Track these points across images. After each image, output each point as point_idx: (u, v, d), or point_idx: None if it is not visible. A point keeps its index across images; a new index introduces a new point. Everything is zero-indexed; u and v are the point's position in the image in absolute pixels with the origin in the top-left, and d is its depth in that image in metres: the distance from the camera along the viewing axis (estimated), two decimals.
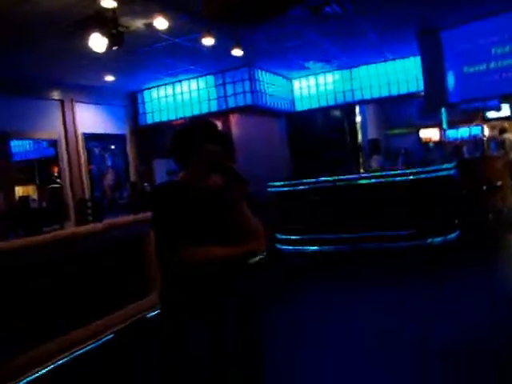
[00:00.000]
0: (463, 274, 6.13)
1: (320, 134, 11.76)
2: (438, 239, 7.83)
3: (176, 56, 8.81)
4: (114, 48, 6.07)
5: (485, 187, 9.21)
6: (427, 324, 4.54)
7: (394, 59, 10.55)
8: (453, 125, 16.05)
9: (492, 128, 17.96)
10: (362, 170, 11.09)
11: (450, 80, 8.87)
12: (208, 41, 7.20)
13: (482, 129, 16.71)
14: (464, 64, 8.74)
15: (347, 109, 11.63)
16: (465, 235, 7.93)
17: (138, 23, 6.93)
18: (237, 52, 8.12)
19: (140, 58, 8.58)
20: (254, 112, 10.59)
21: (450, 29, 8.71)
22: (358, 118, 11.83)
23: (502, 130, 15.24)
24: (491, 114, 17.39)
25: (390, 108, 13.86)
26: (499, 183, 9.50)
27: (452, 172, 8.51)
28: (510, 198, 10.31)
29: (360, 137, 11.89)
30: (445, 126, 10.89)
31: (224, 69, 10.14)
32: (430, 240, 7.79)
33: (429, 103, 9.36)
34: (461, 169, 9.46)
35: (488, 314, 4.56)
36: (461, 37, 8.71)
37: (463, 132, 16.95)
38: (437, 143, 14.21)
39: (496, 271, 6.13)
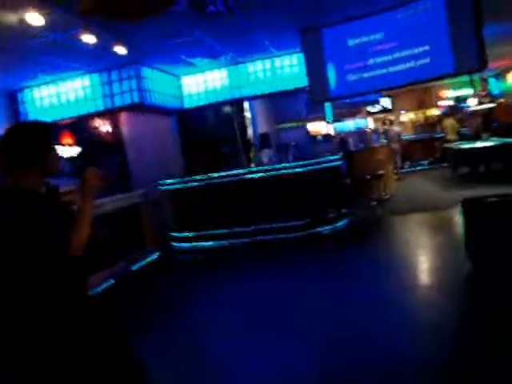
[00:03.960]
0: (347, 257, 6.55)
1: (211, 130, 11.82)
2: (327, 228, 8.14)
3: (57, 53, 8.46)
4: None
5: (368, 176, 9.73)
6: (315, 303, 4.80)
7: (280, 55, 10.78)
8: (340, 118, 16.82)
9: (376, 120, 19.08)
10: (252, 164, 11.29)
11: (331, 76, 9.24)
12: (88, 38, 6.99)
13: (366, 121, 17.70)
14: (344, 61, 9.15)
15: (237, 105, 11.76)
16: (352, 222, 8.32)
17: (11, 17, 6.58)
18: (119, 50, 7.94)
19: (16, 54, 8.14)
20: (142, 110, 10.42)
21: (331, 27, 9.09)
22: (248, 114, 12.00)
23: (387, 122, 16.23)
24: (373, 108, 18.47)
25: (279, 102, 14.17)
26: (381, 172, 10.08)
27: (338, 163, 8.82)
28: (392, 185, 11.01)
29: (250, 131, 12.06)
30: (329, 119, 11.32)
31: (110, 66, 9.86)
32: (318, 229, 8.08)
33: (312, 97, 9.69)
34: (346, 160, 9.94)
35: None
36: (340, 35, 9.13)
37: (349, 125, 17.81)
38: (324, 136, 14.78)
39: (375, 252, 6.58)
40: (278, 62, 10.80)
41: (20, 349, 2.06)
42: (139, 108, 10.25)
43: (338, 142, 12.81)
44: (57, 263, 2.12)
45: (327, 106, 11.21)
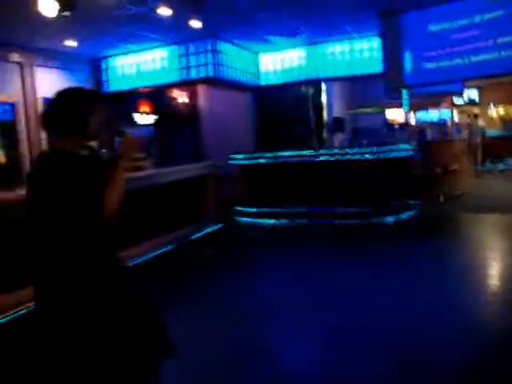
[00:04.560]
0: (404, 250, 6.38)
1: (285, 109, 11.78)
2: (391, 218, 8.00)
3: (138, 25, 8.71)
4: (66, 13, 5.92)
5: (439, 170, 9.41)
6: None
7: (359, 38, 10.52)
8: (419, 107, 16.23)
9: (461, 113, 18.25)
10: (323, 147, 11.19)
11: (408, 62, 8.93)
12: (165, 11, 7.12)
13: (452, 113, 16.96)
14: (422, 47, 8.80)
15: (313, 86, 11.63)
16: (416, 215, 8.12)
17: None
18: (195, 23, 8.04)
19: (101, 24, 8.47)
20: (217, 84, 10.54)
21: (410, 11, 8.75)
22: (324, 96, 11.85)
23: (470, 116, 15.56)
24: (458, 100, 17.66)
25: (359, 86, 13.86)
26: (453, 167, 9.70)
27: (409, 153, 8.61)
28: (467, 181, 10.56)
29: (325, 114, 11.93)
30: (405, 107, 10.94)
31: (187, 39, 10.03)
32: (381, 219, 7.96)
33: (388, 84, 9.43)
34: (420, 151, 9.65)
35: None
36: (420, 20, 8.76)
37: (433, 115, 17.14)
38: (402, 124, 14.33)
39: (441, 250, 6.32)
40: (356, 44, 10.55)
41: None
42: (214, 82, 10.39)
43: (416, 132, 12.41)
44: (89, 224, 2.21)
45: (404, 93, 10.81)
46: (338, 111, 12.73)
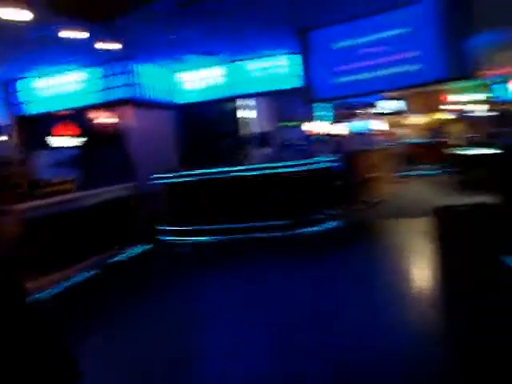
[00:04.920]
0: (329, 259, 6.65)
1: (210, 126, 11.88)
2: (312, 229, 8.19)
3: (51, 47, 8.59)
4: None
5: (360, 179, 9.72)
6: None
7: (277, 55, 10.76)
8: (342, 119, 16.70)
9: (387, 122, 18.92)
10: (249, 162, 11.32)
11: (317, 77, 9.24)
12: (80, 34, 7.09)
13: (376, 123, 17.54)
14: (332, 63, 9.13)
15: (238, 102, 11.79)
16: (338, 225, 8.36)
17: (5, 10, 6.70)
18: (113, 46, 8.06)
19: (10, 46, 8.30)
20: (140, 105, 10.52)
21: (317, 29, 9.07)
22: (249, 111, 12.02)
23: (396, 125, 16.20)
24: (384, 110, 18.30)
25: (285, 101, 14.10)
26: (373, 176, 10.05)
27: (331, 164, 8.86)
28: (387, 188, 10.96)
29: (251, 129, 12.08)
30: (328, 119, 11.30)
31: (105, 61, 10.01)
32: (304, 230, 8.14)
33: (304, 98, 9.71)
34: (342, 161, 9.95)
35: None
36: (326, 38, 9.13)
37: (360, 125, 17.66)
38: (325, 136, 14.70)
39: (359, 256, 6.65)
40: (275, 61, 10.78)
41: None
42: (136, 103, 10.36)
43: (338, 143, 12.76)
44: None
45: (327, 106, 11.15)
46: (265, 126, 12.89)
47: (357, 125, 16.89)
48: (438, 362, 3.41)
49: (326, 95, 9.57)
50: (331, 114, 12.31)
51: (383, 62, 8.65)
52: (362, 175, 9.88)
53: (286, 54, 10.33)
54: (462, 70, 7.89)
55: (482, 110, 16.35)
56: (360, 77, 8.90)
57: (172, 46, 9.41)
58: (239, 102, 11.86)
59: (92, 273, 6.98)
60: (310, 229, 8.20)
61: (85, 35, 7.21)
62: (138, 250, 8.28)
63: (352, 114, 16.50)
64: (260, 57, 10.80)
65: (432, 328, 4.08)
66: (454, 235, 5.08)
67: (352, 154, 10.89)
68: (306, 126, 15.57)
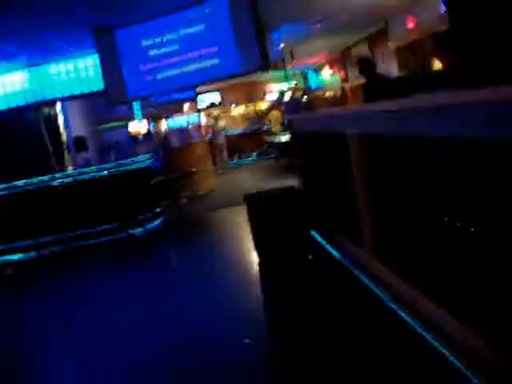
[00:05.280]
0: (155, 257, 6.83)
1: (19, 135, 11.13)
2: (139, 229, 8.20)
3: None
4: None
5: (180, 174, 9.88)
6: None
7: (82, 56, 10.36)
8: (168, 115, 16.82)
9: (206, 115, 19.39)
10: (69, 169, 10.93)
11: (128, 77, 9.19)
12: None
13: (198, 117, 17.92)
14: (138, 62, 9.15)
15: (47, 107, 11.22)
16: (163, 222, 8.45)
17: None
18: None
19: None
20: None
21: (123, 28, 9.01)
22: (61, 116, 11.50)
23: (215, 118, 16.68)
24: (201, 104, 18.73)
25: (100, 103, 13.75)
26: (193, 170, 10.27)
27: (147, 164, 8.89)
28: (210, 181, 11.27)
29: (64, 135, 11.60)
30: (138, 118, 11.29)
31: None
32: (131, 231, 8.12)
33: (110, 99, 9.57)
34: (164, 158, 10.05)
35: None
36: (134, 36, 9.10)
37: (181, 121, 17.90)
38: (146, 135, 14.72)
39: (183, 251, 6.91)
40: (80, 63, 10.38)
41: None
42: None
43: (160, 140, 12.85)
44: None
45: (135, 105, 11.13)
46: (80, 130, 12.42)
47: (177, 121, 17.15)
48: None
49: (138, 94, 9.56)
50: (139, 112, 12.31)
51: (186, 59, 8.84)
52: (183, 170, 10.03)
53: (90, 54, 9.99)
54: (256, 64, 8.37)
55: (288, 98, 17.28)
56: (166, 74, 9.00)
57: None
58: (50, 108, 11.30)
59: None
60: (135, 230, 8.19)
61: None
62: None
63: (172, 110, 16.66)
64: (64, 59, 10.32)
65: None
66: (263, 218, 5.44)
67: (173, 150, 11.06)
68: (131, 127, 15.44)
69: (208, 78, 9.00)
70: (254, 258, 5.33)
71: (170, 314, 4.47)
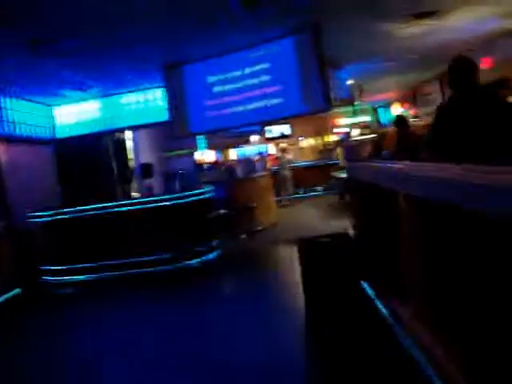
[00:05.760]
0: (210, 290, 6.77)
1: (89, 161, 11.59)
2: (195, 261, 8.21)
3: None
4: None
5: (241, 207, 9.87)
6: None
7: (150, 88, 10.75)
8: (235, 145, 17.00)
9: (275, 146, 19.46)
10: (133, 194, 11.23)
11: (191, 111, 9.35)
12: None
13: (259, 149, 18.02)
14: (203, 98, 9.28)
15: (117, 134, 11.64)
16: (219, 255, 8.43)
17: None
18: None
19: None
20: (9, 141, 10.05)
21: (190, 64, 9.21)
22: (130, 143, 11.89)
23: (282, 150, 16.67)
24: (270, 134, 18.81)
25: (167, 131, 14.12)
26: (255, 203, 10.24)
27: (211, 194, 8.93)
28: (271, 215, 11.17)
29: (132, 161, 11.95)
30: (201, 149, 11.48)
31: None
32: (188, 262, 8.16)
33: (174, 131, 9.75)
34: (222, 190, 10.08)
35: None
36: (199, 72, 9.27)
37: (250, 150, 18.04)
38: (211, 164, 14.89)
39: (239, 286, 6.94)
40: (149, 94, 10.78)
41: None
42: (6, 139, 9.91)
43: (224, 171, 12.94)
44: None
45: (198, 138, 11.37)
46: (147, 156, 12.80)
47: (244, 151, 17.32)
48: None
49: (200, 129, 9.70)
50: (206, 142, 12.51)
51: (250, 96, 8.90)
52: (245, 203, 10.02)
53: (159, 87, 10.33)
54: (319, 105, 8.31)
55: (364, 134, 17.16)
56: (230, 110, 9.08)
57: (42, 80, 9.15)
58: (119, 135, 11.71)
59: None
60: (192, 261, 8.21)
61: None
62: (10, 293, 7.97)
63: (241, 140, 16.86)
64: (133, 91, 10.74)
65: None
66: (313, 264, 5.28)
67: (235, 182, 11.08)
68: (197, 155, 15.72)
69: (271, 117, 9.00)
70: (301, 304, 5.18)
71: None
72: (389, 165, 3.69)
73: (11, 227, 8.85)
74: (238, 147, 17.52)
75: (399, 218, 3.41)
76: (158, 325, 5.55)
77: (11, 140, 10.04)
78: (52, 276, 8.64)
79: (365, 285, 5.01)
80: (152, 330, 5.39)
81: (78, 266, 8.52)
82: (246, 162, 13.49)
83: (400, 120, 7.93)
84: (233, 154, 18.22)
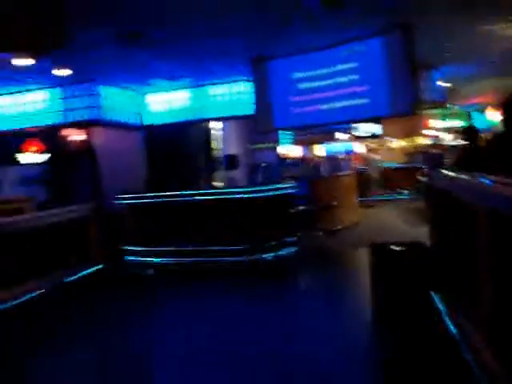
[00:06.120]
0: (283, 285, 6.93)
1: (175, 148, 11.91)
2: (271, 255, 8.24)
3: (12, 70, 8.56)
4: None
5: (322, 205, 9.75)
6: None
7: (238, 81, 10.87)
8: (321, 141, 16.81)
9: (363, 145, 19.07)
10: (216, 184, 11.44)
11: (275, 106, 9.32)
12: (31, 61, 7.09)
13: (347, 146, 17.70)
14: (288, 93, 9.23)
15: (204, 124, 11.86)
16: (295, 251, 8.39)
17: None
18: (62, 71, 8.24)
19: None
20: (104, 125, 10.55)
21: (276, 59, 9.19)
22: (216, 134, 12.07)
23: (370, 150, 16.36)
24: (359, 133, 18.43)
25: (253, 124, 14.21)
26: (335, 203, 10.08)
27: (293, 190, 8.89)
28: (351, 215, 10.97)
29: (217, 152, 12.14)
30: (284, 144, 11.46)
31: (69, 83, 10.02)
32: (262, 255, 8.20)
33: (258, 126, 9.79)
34: (304, 187, 10.00)
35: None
36: (286, 68, 9.24)
37: (338, 147, 17.80)
38: (297, 159, 14.80)
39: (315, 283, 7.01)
40: (237, 87, 10.86)
41: None
42: (101, 124, 10.39)
43: (308, 167, 12.85)
44: None
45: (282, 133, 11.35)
46: (233, 148, 12.92)
47: (331, 148, 17.07)
48: None
49: (283, 125, 9.69)
50: (290, 137, 12.45)
51: (336, 95, 8.75)
52: (327, 201, 9.90)
53: (246, 81, 10.40)
54: (406, 108, 8.03)
55: (455, 139, 16.43)
56: (314, 108, 8.99)
57: (133, 70, 9.50)
58: (206, 125, 11.93)
59: (41, 292, 7.00)
60: (268, 254, 8.23)
61: (33, 62, 7.18)
62: (95, 268, 8.39)
63: (327, 137, 16.65)
64: (222, 82, 10.89)
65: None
66: (385, 270, 5.14)
67: (318, 179, 10.97)
68: (282, 149, 15.67)
69: (356, 117, 8.88)
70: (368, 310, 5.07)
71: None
72: (470, 177, 3.49)
73: (100, 208, 9.29)
74: (324, 143, 17.30)
75: (478, 234, 3.22)
76: (229, 315, 5.65)
77: (105, 125, 10.51)
78: (133, 256, 9.00)
79: (434, 296, 4.81)
80: (222, 320, 5.50)
81: (157, 248, 8.80)
82: (332, 159, 13.34)
83: (470, 131, 6.53)
84: (319, 150, 18.04)
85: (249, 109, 10.38)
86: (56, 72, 8.54)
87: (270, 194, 8.61)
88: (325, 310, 5.62)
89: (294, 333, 4.91)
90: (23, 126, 10.77)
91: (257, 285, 6.92)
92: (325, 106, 8.87)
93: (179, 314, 6.02)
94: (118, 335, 5.36)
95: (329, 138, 17.25)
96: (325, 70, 8.88)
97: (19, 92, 10.68)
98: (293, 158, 14.99)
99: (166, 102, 11.60)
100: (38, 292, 6.99)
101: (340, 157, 14.75)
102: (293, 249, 8.44)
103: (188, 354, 4.62)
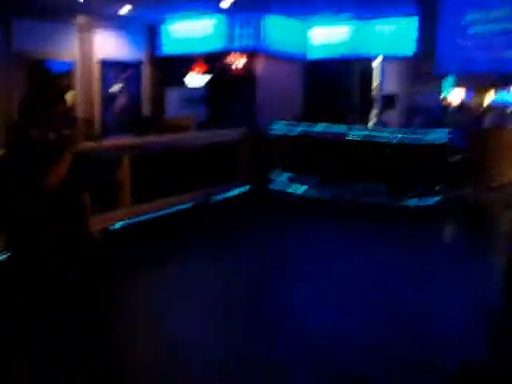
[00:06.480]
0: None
1: (333, 83, 11.71)
2: (415, 202, 8.09)
3: None
4: None
5: (482, 159, 9.13)
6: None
7: (406, 17, 10.16)
8: (485, 87, 15.21)
9: None
10: (370, 123, 11.18)
11: (441, 49, 8.66)
12: None
13: None
14: (458, 35, 8.50)
15: (364, 62, 11.45)
16: (441, 202, 8.12)
17: None
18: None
19: None
20: (266, 55, 10.67)
21: None
22: (376, 72, 11.60)
23: None
24: None
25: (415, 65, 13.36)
26: (495, 158, 9.36)
27: (446, 140, 8.51)
28: (505, 178, 10.03)
29: (376, 91, 11.72)
30: (445, 91, 10.64)
31: (236, 10, 10.11)
32: (407, 202, 8.11)
33: (417, 68, 9.34)
34: (464, 138, 9.37)
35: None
36: (457, 7, 8.44)
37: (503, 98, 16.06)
38: (459, 107, 13.67)
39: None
40: (402, 24, 10.14)
41: None
42: (264, 53, 10.53)
43: (471, 117, 11.90)
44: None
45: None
46: (392, 87, 12.34)
47: (502, 97, 15.41)
48: None
49: (446, 70, 9.02)
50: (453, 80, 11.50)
51: None
52: (486, 155, 9.22)
53: (412, 17, 9.69)
54: None
55: None
56: (487, 54, 8.21)
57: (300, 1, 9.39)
58: (366, 62, 11.50)
59: (194, 204, 8.01)
60: (411, 201, 8.20)
61: None
62: (242, 189, 9.22)
63: (501, 83, 15.09)
64: (386, 17, 10.34)
65: None
66: None
67: (479, 131, 10.17)
68: (445, 94, 14.52)
69: None
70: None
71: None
72: None
73: (253, 133, 9.69)
74: (498, 91, 15.70)
75: None
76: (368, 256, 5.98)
77: (267, 55, 10.66)
78: (278, 183, 9.59)
79: None
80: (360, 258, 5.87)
81: (303, 178, 9.26)
82: (498, 110, 12.22)
83: None
84: (487, 97, 16.47)
85: (413, 49, 9.81)
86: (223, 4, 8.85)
87: (423, 142, 8.35)
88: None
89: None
90: (190, 51, 11.27)
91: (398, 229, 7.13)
92: (497, 53, 8.07)
93: (330, 239, 6.60)
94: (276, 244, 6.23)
95: (503, 83, 15.59)
96: (503, 12, 8.00)
97: (191, 19, 11.15)
98: (455, 106, 13.93)
99: (328, 35, 11.34)
100: (195, 203, 8.06)
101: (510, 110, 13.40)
102: (439, 199, 8.16)
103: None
